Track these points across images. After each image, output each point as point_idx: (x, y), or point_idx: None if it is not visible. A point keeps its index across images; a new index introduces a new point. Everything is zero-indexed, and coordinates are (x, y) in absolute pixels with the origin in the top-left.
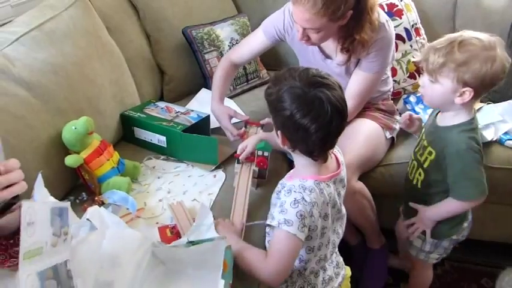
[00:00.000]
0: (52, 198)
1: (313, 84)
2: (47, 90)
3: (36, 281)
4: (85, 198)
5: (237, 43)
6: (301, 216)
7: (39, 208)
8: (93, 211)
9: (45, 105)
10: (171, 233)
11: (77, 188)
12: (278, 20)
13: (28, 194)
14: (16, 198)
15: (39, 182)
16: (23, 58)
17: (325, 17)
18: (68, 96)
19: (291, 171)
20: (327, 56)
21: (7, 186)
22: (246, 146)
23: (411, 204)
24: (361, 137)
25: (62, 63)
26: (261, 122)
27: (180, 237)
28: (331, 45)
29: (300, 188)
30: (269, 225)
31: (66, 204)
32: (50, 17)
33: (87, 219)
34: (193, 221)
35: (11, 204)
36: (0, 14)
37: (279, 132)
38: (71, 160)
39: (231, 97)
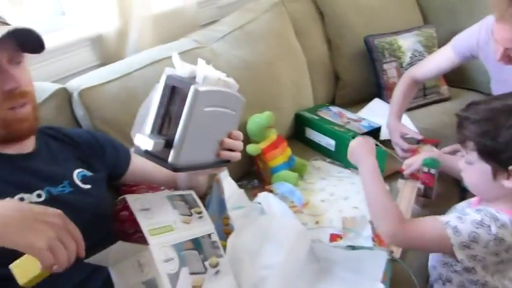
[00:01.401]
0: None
1: None
2: (239, 84)
3: (171, 252)
4: (256, 185)
5: (420, 55)
6: (472, 239)
7: (150, 198)
8: (264, 196)
9: None
10: None
11: (250, 174)
12: (472, 37)
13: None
14: (227, 163)
15: None
16: (225, 54)
17: None
18: (255, 91)
19: (474, 198)
20: None
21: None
22: (413, 163)
23: None
24: None
25: (255, 61)
26: (444, 150)
27: None
28: None
29: (491, 216)
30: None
31: (190, 192)
32: (250, 19)
33: (259, 203)
34: None
35: (221, 164)
36: (209, 14)
37: None
38: (251, 148)
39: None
